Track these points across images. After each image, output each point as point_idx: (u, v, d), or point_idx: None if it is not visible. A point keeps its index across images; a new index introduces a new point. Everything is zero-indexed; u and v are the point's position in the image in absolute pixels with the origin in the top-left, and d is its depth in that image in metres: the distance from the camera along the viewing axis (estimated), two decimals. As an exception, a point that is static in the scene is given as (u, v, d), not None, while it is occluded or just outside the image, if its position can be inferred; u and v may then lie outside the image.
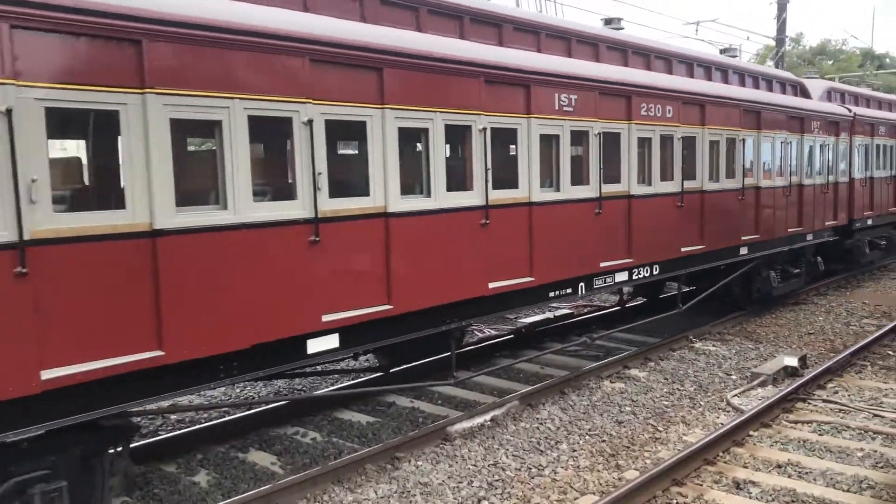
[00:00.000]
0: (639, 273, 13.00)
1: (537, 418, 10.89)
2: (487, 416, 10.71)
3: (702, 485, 8.61)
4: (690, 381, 12.72)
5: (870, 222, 22.21)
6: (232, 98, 7.14)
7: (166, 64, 6.63)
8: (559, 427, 10.61)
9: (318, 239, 7.89)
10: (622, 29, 14.49)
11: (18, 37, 5.76)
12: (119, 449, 6.85)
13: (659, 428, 10.60)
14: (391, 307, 8.75)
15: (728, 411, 11.24)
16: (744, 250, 15.94)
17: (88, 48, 6.19)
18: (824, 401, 11.41)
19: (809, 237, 18.48)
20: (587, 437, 10.26)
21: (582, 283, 11.77)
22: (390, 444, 9.41)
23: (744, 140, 15.61)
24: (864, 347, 14.05)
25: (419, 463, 9.32)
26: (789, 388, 11.45)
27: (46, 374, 5.91)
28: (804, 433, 10.22)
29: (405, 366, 12.26)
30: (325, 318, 8.05)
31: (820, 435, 10.15)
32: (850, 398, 11.56)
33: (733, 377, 12.94)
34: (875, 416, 10.75)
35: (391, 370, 12.04)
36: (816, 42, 71.73)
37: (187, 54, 6.79)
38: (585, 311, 17.97)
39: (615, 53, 13.33)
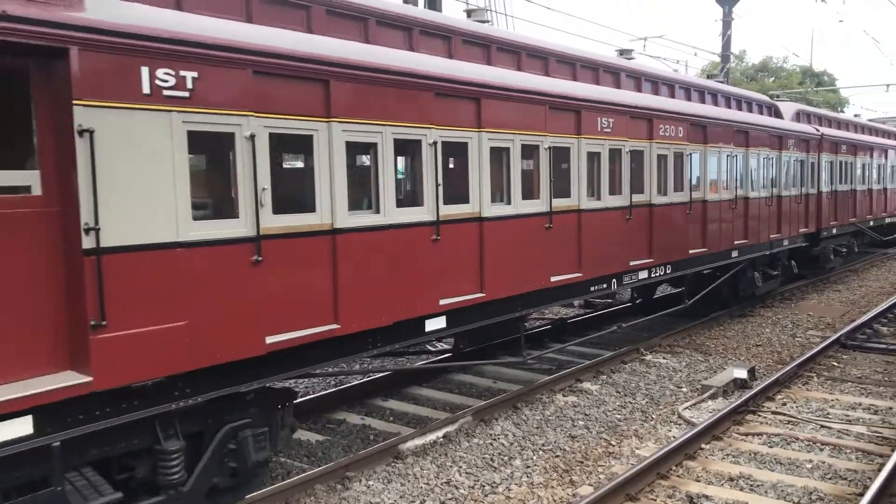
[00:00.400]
0: (656, 272, 15.13)
1: (490, 434, 10.94)
2: (440, 433, 10.70)
3: (655, 500, 8.77)
4: (642, 393, 12.95)
5: (834, 231, 24.96)
6: (384, 125, 8.99)
7: (344, 98, 8.44)
8: (512, 442, 10.67)
9: (438, 238, 9.79)
10: (633, 59, 16.81)
11: (257, 79, 7.55)
12: (288, 405, 8.59)
13: (612, 442, 10.74)
14: (484, 295, 10.68)
15: (680, 424, 11.43)
16: (735, 253, 18.27)
17: (295, 87, 8.00)
18: (773, 413, 11.75)
19: (785, 242, 21.01)
20: (541, 452, 10.35)
21: (614, 279, 13.86)
22: (340, 464, 9.33)
23: (736, 156, 17.94)
24: (811, 359, 14.55)
25: (370, 482, 9.21)
26: (739, 401, 11.73)
27: (270, 339, 7.70)
28: (755, 445, 10.47)
29: (472, 347, 14.25)
30: (442, 302, 10.00)
31: (770, 447, 10.41)
32: (797, 410, 11.95)
33: (684, 390, 13.20)
34: (822, 427, 11.15)
35: (464, 350, 13.96)
36: (759, 59, 75.44)
37: (358, 91, 8.62)
38: (537, 323, 18.18)
39: (631, 80, 15.49)
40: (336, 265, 8.39)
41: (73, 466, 6.55)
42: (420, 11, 11.05)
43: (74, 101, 6.18)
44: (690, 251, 16.14)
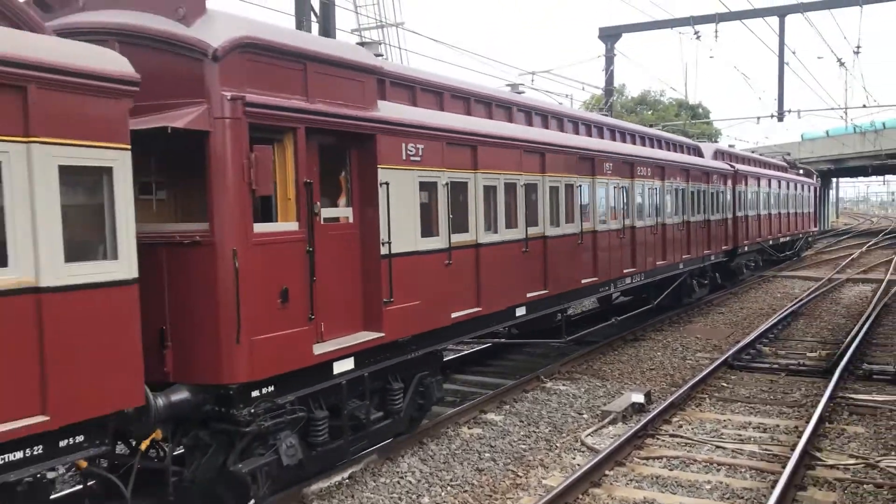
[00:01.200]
0: (634, 279, 20.60)
1: (397, 472, 10.93)
2: (345, 474, 10.58)
3: (566, 531, 9.07)
4: (545, 422, 13.30)
5: (746, 249, 31.93)
6: (500, 174, 13.90)
7: (483, 157, 13.30)
8: (420, 480, 10.72)
9: (527, 250, 14.77)
10: (609, 115, 22.45)
11: (447, 147, 12.32)
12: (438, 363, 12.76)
13: (519, 473, 11.02)
14: (547, 291, 15.59)
15: (583, 451, 11.81)
16: (681, 265, 24.12)
17: (460, 151, 12.77)
18: (671, 435, 12.27)
19: (713, 257, 27.58)
20: (449, 488, 10.45)
21: (613, 283, 19.26)
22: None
23: (682, 190, 24.13)
24: (702, 381, 15.44)
25: (274, 530, 8.93)
26: (639, 425, 12.27)
27: (454, 315, 12.51)
28: (656, 469, 10.97)
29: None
30: (528, 295, 14.81)
31: (671, 470, 10.93)
32: (693, 431, 12.54)
33: (585, 416, 13.67)
34: (718, 447, 11.75)
35: (518, 335, 18.01)
36: (637, 93, 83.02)
37: (490, 152, 13.54)
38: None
39: (608, 132, 20.89)
40: (478, 267, 13.18)
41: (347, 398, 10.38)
42: (495, 90, 16.11)
43: (379, 166, 10.62)
44: (657, 263, 21.98)
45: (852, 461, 11.27)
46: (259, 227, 8.79)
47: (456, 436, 12.56)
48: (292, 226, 9.31)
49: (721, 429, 12.82)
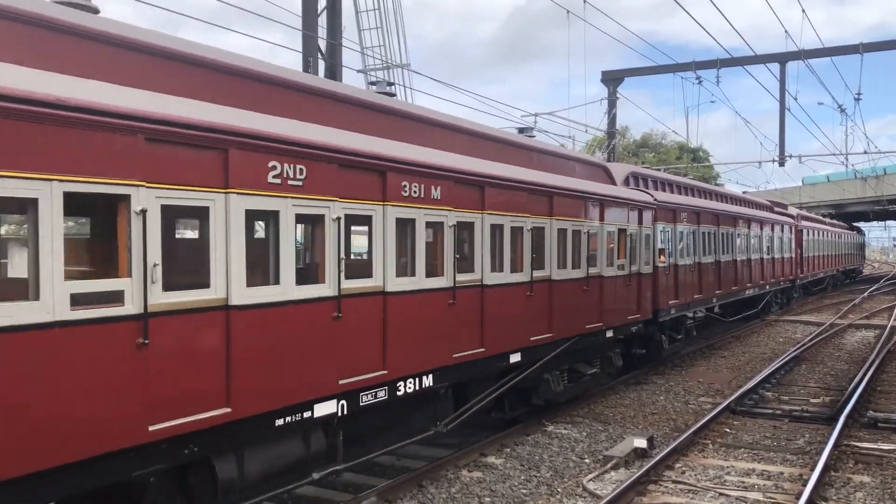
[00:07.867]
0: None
1: None
2: None
3: (568, 579, 9.20)
4: (546, 466, 13.07)
5: (841, 270, 52.38)
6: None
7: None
8: None
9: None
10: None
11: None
12: None
13: None
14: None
15: (585, 497, 11.63)
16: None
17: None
18: (674, 482, 12.14)
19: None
20: None
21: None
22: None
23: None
24: (705, 426, 15.31)
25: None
26: (641, 471, 12.12)
27: (532, 338, 14.41)
28: None
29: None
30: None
31: None
32: (696, 478, 12.41)
33: (587, 461, 13.45)
34: (721, 494, 11.63)
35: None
36: (639, 135, 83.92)
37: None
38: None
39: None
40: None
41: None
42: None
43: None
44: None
45: (860, 512, 11.11)
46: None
47: (456, 479, 12.30)
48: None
49: (724, 475, 12.66)
